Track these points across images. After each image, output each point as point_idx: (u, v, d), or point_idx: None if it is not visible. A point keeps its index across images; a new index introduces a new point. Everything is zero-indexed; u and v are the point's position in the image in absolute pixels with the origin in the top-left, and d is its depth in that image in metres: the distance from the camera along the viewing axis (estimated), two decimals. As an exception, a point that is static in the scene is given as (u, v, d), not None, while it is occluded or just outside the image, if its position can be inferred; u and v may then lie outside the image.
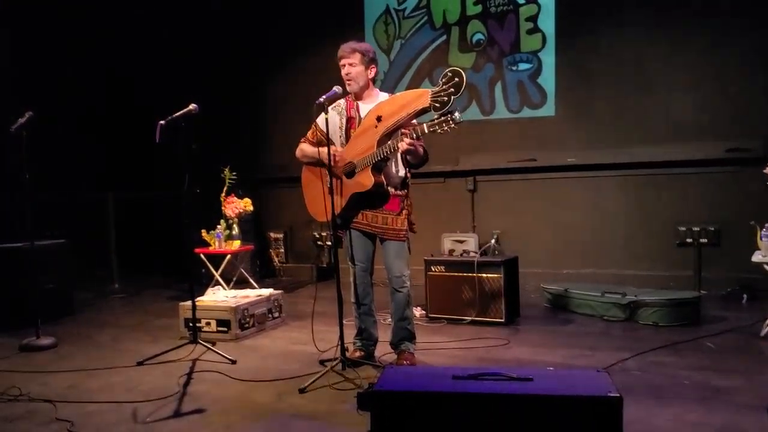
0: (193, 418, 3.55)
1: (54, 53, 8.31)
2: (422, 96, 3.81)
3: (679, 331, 5.03)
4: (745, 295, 6.06)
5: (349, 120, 4.27)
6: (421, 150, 3.99)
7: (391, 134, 3.98)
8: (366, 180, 4.05)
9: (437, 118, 3.71)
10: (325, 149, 4.06)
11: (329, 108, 4.11)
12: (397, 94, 4.13)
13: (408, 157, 4.06)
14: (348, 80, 4.21)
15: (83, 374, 4.41)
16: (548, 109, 7.23)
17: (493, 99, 7.47)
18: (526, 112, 7.34)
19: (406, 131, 3.91)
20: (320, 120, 4.24)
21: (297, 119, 4.48)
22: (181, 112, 4.64)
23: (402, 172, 4.21)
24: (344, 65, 4.20)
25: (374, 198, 4.17)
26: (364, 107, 4.24)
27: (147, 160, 8.66)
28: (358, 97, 4.28)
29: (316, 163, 4.30)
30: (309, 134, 4.43)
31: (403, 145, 3.86)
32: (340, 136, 4.28)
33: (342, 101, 4.30)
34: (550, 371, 2.40)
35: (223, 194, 6.71)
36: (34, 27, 8.08)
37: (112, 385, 4.17)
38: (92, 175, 8.41)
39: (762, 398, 3.47)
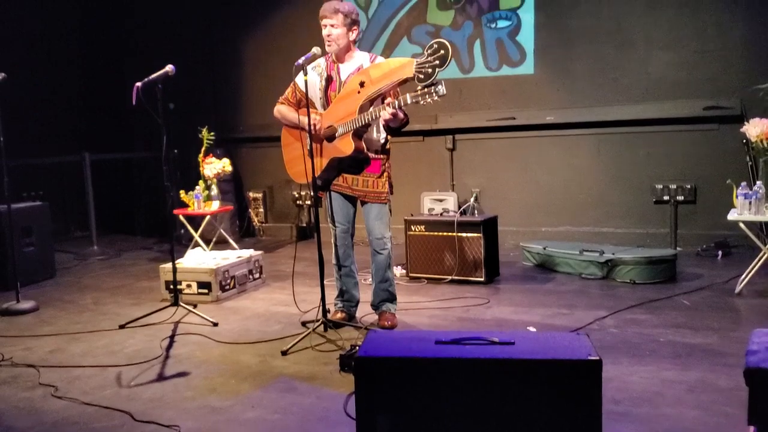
0: (177, 381, 3.58)
1: (27, 13, 8.12)
2: (407, 66, 3.79)
3: (655, 288, 5.13)
4: (720, 252, 6.17)
5: (329, 80, 4.23)
6: (401, 115, 3.95)
7: (373, 101, 3.99)
8: (346, 146, 4.04)
9: (420, 90, 3.70)
10: (305, 117, 4.04)
11: (309, 68, 4.07)
12: (381, 60, 4.11)
13: (390, 124, 4.02)
14: (328, 42, 4.14)
15: (66, 338, 4.42)
16: (527, 68, 7.20)
17: (472, 57, 7.42)
18: (505, 71, 7.30)
19: (389, 100, 3.90)
20: (299, 81, 4.20)
21: (274, 78, 4.43)
22: (158, 73, 4.56)
23: (383, 137, 4.20)
24: (326, 26, 4.12)
25: (354, 162, 4.17)
26: (345, 68, 4.20)
27: (125, 121, 8.57)
28: (339, 58, 4.22)
29: (296, 126, 4.28)
30: (288, 95, 4.36)
31: (386, 114, 3.85)
32: (320, 98, 4.24)
33: (322, 61, 4.24)
34: (531, 334, 2.45)
35: (201, 155, 6.64)
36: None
37: (95, 348, 4.18)
38: (69, 137, 8.29)
39: (736, 355, 3.55)
